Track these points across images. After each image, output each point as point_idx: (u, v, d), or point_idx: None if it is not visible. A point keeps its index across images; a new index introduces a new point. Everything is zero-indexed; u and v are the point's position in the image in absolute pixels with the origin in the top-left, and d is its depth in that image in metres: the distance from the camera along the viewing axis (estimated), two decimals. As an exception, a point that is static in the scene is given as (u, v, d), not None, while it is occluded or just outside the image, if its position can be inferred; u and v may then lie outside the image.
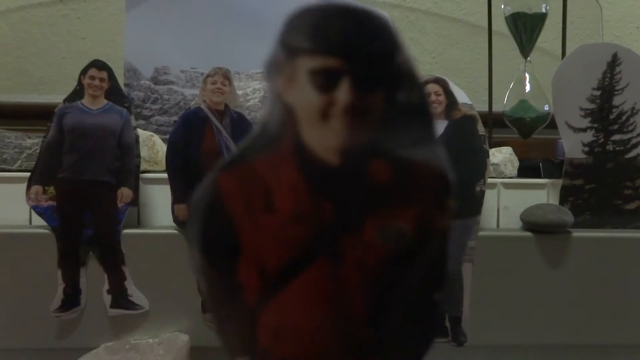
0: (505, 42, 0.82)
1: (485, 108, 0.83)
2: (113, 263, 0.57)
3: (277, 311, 0.18)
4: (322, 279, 0.18)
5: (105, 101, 0.59)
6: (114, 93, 0.59)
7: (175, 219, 0.57)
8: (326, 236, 0.18)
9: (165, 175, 0.57)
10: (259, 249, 0.18)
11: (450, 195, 0.18)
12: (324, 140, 0.18)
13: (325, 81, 0.18)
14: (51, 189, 0.56)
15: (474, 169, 0.59)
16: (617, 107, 0.63)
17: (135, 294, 0.57)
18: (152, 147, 0.63)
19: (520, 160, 0.68)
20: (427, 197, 0.18)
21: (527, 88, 0.78)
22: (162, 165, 0.61)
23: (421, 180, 0.18)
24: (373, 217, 0.18)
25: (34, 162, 0.57)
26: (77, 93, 0.59)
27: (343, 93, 0.18)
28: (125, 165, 0.58)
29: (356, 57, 0.17)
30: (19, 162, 0.62)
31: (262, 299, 0.18)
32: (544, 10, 0.76)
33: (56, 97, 0.60)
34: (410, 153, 0.17)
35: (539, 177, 0.67)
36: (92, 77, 0.58)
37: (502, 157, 0.66)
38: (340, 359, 0.18)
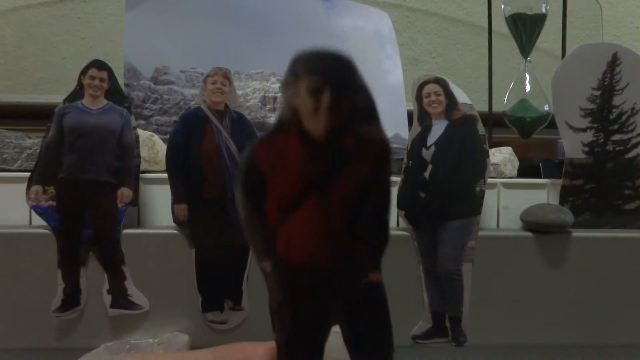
0: (505, 42, 0.83)
1: (485, 108, 0.83)
2: (113, 263, 0.57)
3: (289, 226, 0.29)
4: (314, 205, 0.29)
5: (105, 101, 0.59)
6: (114, 93, 0.59)
7: (175, 219, 0.57)
8: (317, 183, 0.29)
9: (165, 175, 0.57)
10: (278, 192, 0.30)
11: (390, 153, 0.30)
12: (315, 126, 0.29)
13: (316, 92, 0.29)
14: (51, 189, 0.56)
15: (474, 169, 0.59)
16: (617, 107, 0.63)
17: (135, 294, 0.57)
18: (152, 147, 0.63)
19: (520, 160, 0.68)
20: (375, 154, 0.30)
21: (527, 88, 0.78)
22: (162, 165, 0.61)
23: (372, 145, 0.30)
24: (346, 166, 0.30)
25: (34, 162, 0.57)
26: (77, 93, 0.59)
27: (325, 99, 0.29)
28: (125, 165, 0.58)
29: (332, 78, 0.29)
30: (19, 162, 0.62)
31: (279, 221, 0.30)
32: (544, 11, 0.76)
33: (56, 97, 0.60)
34: (364, 129, 0.29)
35: (539, 177, 0.67)
36: (92, 77, 0.58)
37: (502, 157, 0.66)
38: (328, 257, 0.29)
